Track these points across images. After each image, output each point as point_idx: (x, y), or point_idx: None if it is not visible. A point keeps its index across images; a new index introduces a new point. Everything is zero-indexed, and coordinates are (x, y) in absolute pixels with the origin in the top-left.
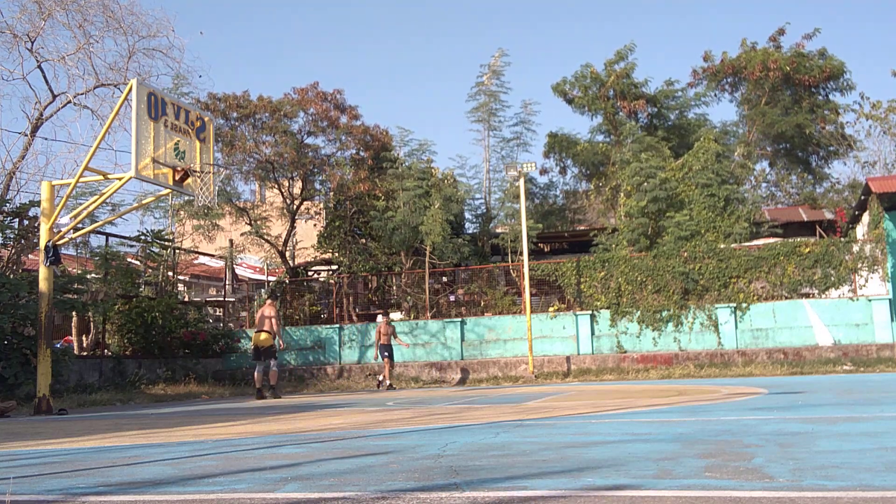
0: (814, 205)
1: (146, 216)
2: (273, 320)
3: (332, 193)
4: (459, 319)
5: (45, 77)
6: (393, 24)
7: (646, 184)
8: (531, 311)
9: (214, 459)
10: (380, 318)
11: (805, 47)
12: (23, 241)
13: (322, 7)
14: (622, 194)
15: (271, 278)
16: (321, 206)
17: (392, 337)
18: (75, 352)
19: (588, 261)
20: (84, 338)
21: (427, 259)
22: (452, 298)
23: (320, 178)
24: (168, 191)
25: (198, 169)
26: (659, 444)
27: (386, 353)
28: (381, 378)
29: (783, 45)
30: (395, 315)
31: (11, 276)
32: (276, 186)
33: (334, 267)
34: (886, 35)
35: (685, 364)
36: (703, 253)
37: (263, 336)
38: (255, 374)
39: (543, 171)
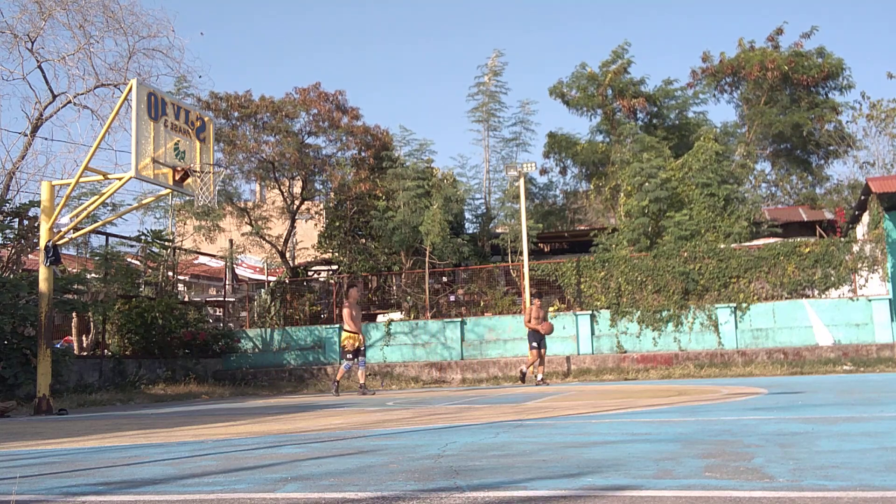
0: (814, 205)
1: (146, 216)
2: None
3: (332, 193)
4: (459, 319)
5: (45, 77)
6: (393, 24)
7: (647, 184)
8: None
9: (214, 459)
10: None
11: (803, 46)
12: (23, 241)
13: (323, 7)
14: (622, 194)
15: (272, 278)
16: (321, 206)
17: (542, 321)
18: (75, 352)
19: (588, 261)
20: (84, 338)
21: (427, 259)
22: (452, 298)
23: (321, 178)
24: (168, 191)
25: (198, 169)
26: (659, 444)
27: (535, 342)
28: (537, 374)
29: (781, 44)
30: (395, 315)
31: (11, 276)
32: (277, 186)
33: (334, 267)
34: (885, 34)
35: (685, 364)
36: (703, 253)
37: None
38: (342, 370)
39: (543, 171)
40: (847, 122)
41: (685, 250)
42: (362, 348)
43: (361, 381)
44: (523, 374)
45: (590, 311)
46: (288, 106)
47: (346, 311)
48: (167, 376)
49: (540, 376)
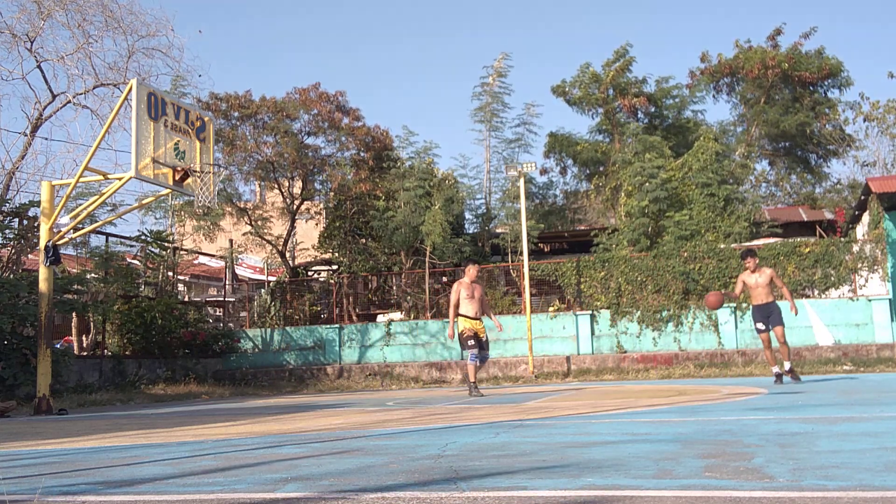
0: (814, 205)
1: (146, 216)
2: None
3: (332, 194)
4: None
5: (44, 77)
6: (395, 24)
7: (647, 184)
8: (531, 311)
9: (214, 459)
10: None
11: (803, 46)
12: (23, 241)
13: (324, 7)
14: (622, 194)
15: (272, 278)
16: (321, 206)
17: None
18: (75, 352)
19: (588, 261)
20: (84, 338)
21: (427, 259)
22: None
23: (321, 178)
24: (168, 191)
25: (198, 169)
26: (659, 444)
27: (759, 322)
28: (781, 369)
29: (781, 45)
30: (395, 315)
31: (11, 276)
32: (277, 186)
33: (334, 267)
34: (885, 34)
35: (685, 364)
36: (704, 253)
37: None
38: (472, 366)
39: (543, 171)
40: (849, 121)
41: (685, 250)
42: (483, 338)
43: (472, 379)
44: (787, 369)
45: (590, 311)
46: (289, 106)
47: (453, 291)
48: (167, 376)
49: (788, 365)
